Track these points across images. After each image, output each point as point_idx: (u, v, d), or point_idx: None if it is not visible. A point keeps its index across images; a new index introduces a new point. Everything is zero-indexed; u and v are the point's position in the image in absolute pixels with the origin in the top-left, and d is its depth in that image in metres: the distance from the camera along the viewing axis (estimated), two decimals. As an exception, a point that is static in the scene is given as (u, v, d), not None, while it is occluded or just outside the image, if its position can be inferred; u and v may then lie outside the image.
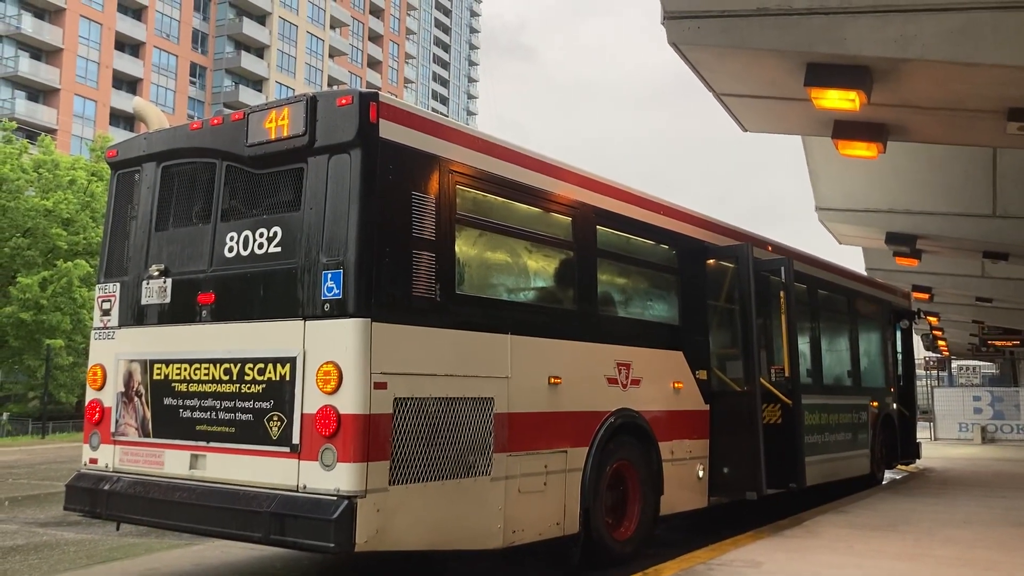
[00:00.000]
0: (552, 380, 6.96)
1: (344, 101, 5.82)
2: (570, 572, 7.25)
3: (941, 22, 6.42)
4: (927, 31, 6.45)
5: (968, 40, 6.40)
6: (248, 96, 69.81)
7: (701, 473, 8.80)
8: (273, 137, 6.06)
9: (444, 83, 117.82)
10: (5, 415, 34.67)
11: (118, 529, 7.26)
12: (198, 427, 6.21)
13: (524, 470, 6.61)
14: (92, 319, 7.37)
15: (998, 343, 33.47)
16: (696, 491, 8.74)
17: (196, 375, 6.28)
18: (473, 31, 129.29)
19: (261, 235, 6.15)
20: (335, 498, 5.41)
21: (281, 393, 5.79)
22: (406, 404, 5.74)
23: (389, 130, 5.87)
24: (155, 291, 6.70)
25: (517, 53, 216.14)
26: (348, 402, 5.49)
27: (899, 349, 15.28)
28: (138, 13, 64.99)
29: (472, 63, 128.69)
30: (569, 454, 7.06)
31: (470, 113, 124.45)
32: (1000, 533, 8.67)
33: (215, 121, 6.64)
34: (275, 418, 5.80)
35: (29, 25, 57.22)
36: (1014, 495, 12.04)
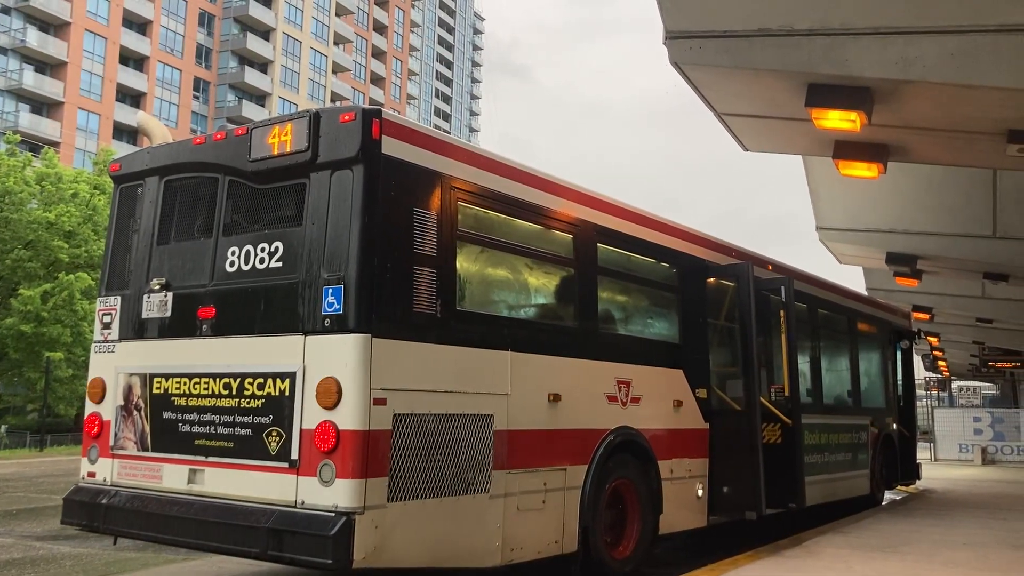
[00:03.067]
0: (552, 397, 6.95)
1: (347, 117, 5.85)
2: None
3: (941, 44, 6.45)
4: (928, 53, 6.48)
5: (968, 62, 6.43)
6: (251, 111, 70.05)
7: (700, 492, 8.77)
8: (276, 152, 6.09)
9: (447, 100, 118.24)
10: (3, 427, 34.58)
11: (115, 543, 7.24)
12: (197, 442, 6.20)
13: (523, 488, 6.59)
14: (92, 332, 7.37)
15: (998, 364, 33.41)
16: (695, 510, 8.71)
17: (196, 389, 6.27)
18: (476, 48, 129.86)
19: (262, 250, 6.16)
20: (333, 514, 5.40)
21: (280, 408, 5.79)
22: (405, 420, 5.73)
23: (392, 146, 5.89)
24: (156, 305, 6.71)
25: (517, 72, 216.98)
26: (347, 418, 5.48)
27: (899, 369, 15.25)
28: (143, 28, 65.31)
29: (475, 80, 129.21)
30: (568, 472, 7.04)
31: (472, 130, 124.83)
32: (1001, 555, 8.63)
33: (218, 136, 6.67)
34: (274, 433, 5.79)
35: (34, 38, 57.50)
36: (1015, 517, 11.99)
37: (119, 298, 7.02)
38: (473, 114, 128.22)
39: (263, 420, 5.87)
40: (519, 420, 6.61)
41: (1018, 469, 24.11)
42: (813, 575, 7.38)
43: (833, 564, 7.87)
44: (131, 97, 63.48)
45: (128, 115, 59.54)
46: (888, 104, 7.21)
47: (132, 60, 64.36)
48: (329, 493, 5.45)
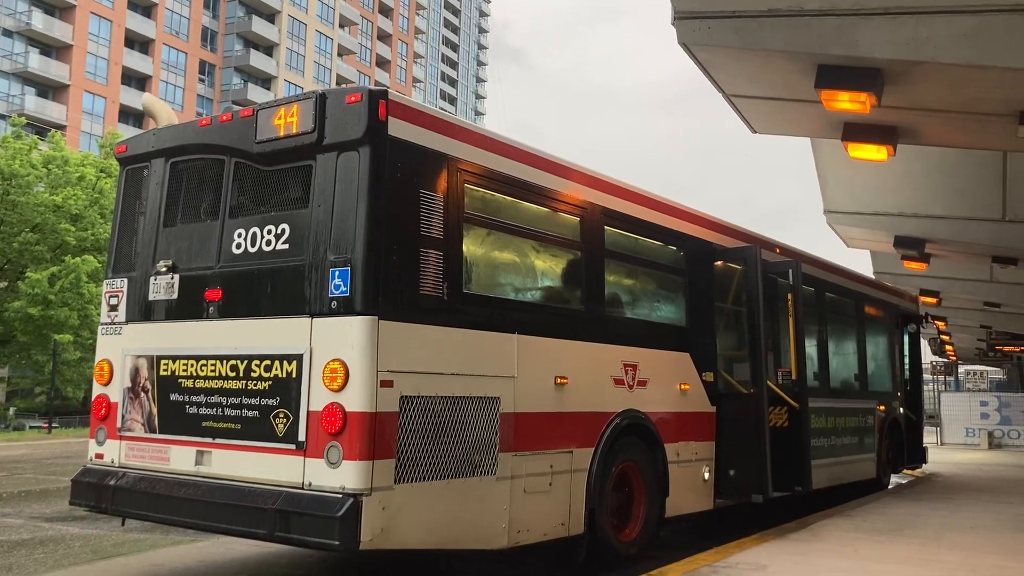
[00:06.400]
0: (558, 380, 6.95)
1: (353, 98, 5.81)
2: (574, 573, 7.24)
3: (953, 24, 6.38)
4: (939, 33, 6.41)
5: (980, 43, 6.36)
6: (257, 94, 69.94)
7: (707, 475, 8.77)
8: (282, 134, 6.06)
9: (452, 83, 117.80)
10: (12, 410, 34.79)
11: (123, 524, 7.27)
12: (204, 423, 6.21)
13: (529, 470, 6.59)
14: (99, 315, 7.38)
15: (1006, 348, 33.33)
16: (702, 493, 8.72)
17: (203, 371, 6.28)
18: (482, 31, 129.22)
19: (269, 232, 6.15)
20: (340, 496, 5.41)
21: (287, 390, 5.79)
22: (412, 402, 5.73)
23: (398, 128, 5.86)
24: (162, 287, 6.71)
25: (523, 57, 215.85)
26: (354, 400, 5.48)
27: (906, 353, 15.22)
28: (148, 10, 65.16)
29: (481, 63, 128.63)
30: (575, 454, 7.04)
31: (478, 113, 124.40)
32: (1007, 539, 8.62)
33: (224, 117, 6.64)
34: (281, 415, 5.79)
35: (39, 21, 57.41)
36: (1021, 501, 11.98)
37: (125, 280, 7.01)
38: (479, 97, 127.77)
39: (270, 402, 5.87)
40: (526, 403, 6.60)
41: (1024, 453, 24.10)
42: (819, 558, 7.38)
43: (839, 547, 7.88)
44: (137, 80, 63.42)
45: (134, 98, 59.43)
46: (899, 85, 7.15)
47: (138, 43, 64.27)
48: (336, 475, 5.46)
